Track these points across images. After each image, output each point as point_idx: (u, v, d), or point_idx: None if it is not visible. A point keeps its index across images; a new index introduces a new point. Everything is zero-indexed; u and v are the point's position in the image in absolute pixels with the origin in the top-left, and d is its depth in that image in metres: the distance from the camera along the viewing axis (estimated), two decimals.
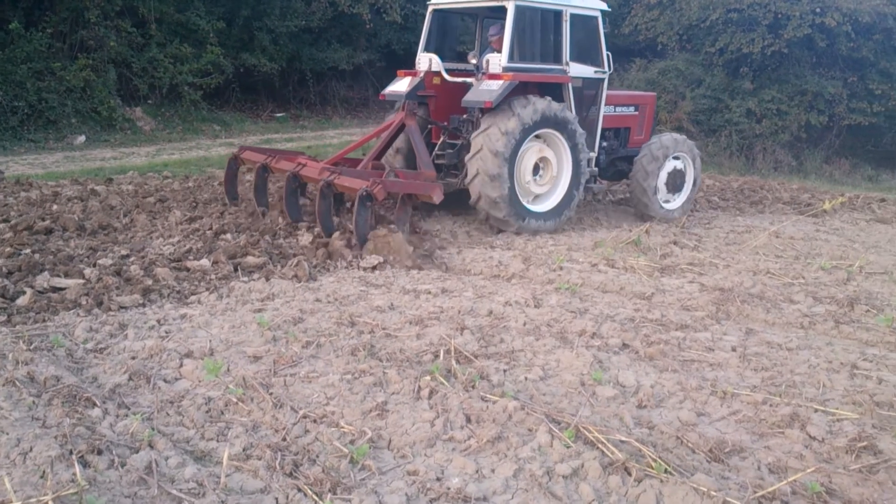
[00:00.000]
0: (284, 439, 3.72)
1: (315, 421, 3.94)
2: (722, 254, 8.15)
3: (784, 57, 18.28)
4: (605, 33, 9.65)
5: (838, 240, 9.47)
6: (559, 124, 8.79)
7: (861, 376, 4.80)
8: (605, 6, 9.70)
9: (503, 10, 8.65)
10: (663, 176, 10.19)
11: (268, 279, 6.41)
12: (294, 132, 16.97)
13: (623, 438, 3.74)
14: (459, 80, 9.25)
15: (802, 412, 4.18)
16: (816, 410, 4.24)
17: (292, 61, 18.48)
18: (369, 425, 3.91)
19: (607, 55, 9.62)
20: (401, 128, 8.97)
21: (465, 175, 8.62)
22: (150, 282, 6.11)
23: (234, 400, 4.08)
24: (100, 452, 3.40)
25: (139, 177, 10.96)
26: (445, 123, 9.37)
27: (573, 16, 9.09)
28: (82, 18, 14.76)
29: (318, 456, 3.59)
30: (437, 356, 4.80)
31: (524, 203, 8.78)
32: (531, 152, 8.74)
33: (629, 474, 3.43)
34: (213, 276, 6.40)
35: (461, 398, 4.15)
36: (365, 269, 6.98)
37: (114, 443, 3.53)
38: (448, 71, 9.34)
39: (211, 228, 7.79)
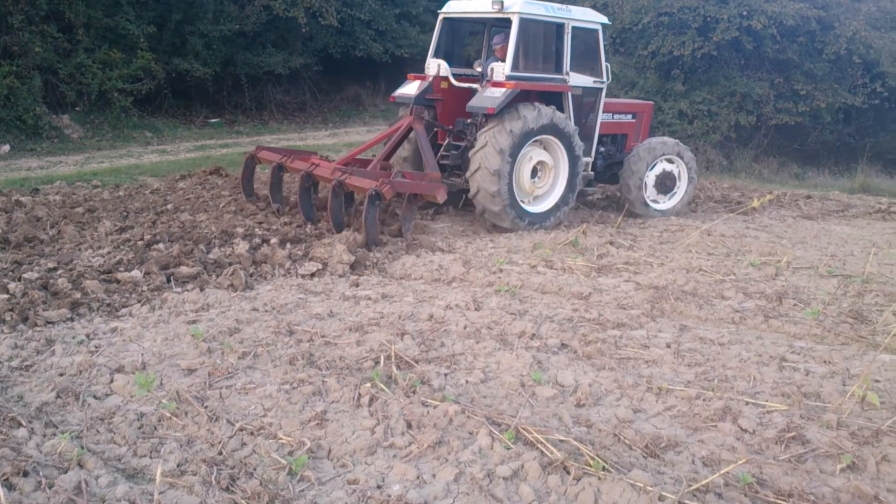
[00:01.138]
0: (220, 453, 3.65)
1: (252, 433, 3.87)
2: (656, 253, 8.31)
3: (713, 59, 18.77)
4: (604, 45, 10.11)
5: (767, 236, 9.75)
6: (560, 132, 9.28)
7: (789, 369, 4.95)
8: (605, 20, 10.14)
9: (509, 20, 9.06)
10: (652, 177, 10.69)
11: (202, 289, 6.28)
12: (229, 137, 16.69)
13: (562, 438, 3.78)
14: (466, 85, 9.63)
15: (734, 405, 4.29)
16: (747, 403, 4.35)
17: (226, 66, 18.16)
18: (308, 435, 3.87)
19: (606, 66, 10.13)
20: (409, 130, 9.37)
21: (468, 186, 9.09)
22: (78, 295, 5.92)
23: (168, 415, 3.98)
24: (25, 474, 3.29)
25: (67, 186, 10.63)
26: (450, 127, 9.77)
27: (575, 28, 9.55)
28: (5, 23, 14.24)
29: (255, 469, 3.53)
30: (377, 362, 4.77)
31: (520, 202, 9.23)
32: (531, 156, 9.21)
33: (568, 473, 3.47)
34: (144, 288, 6.24)
35: (402, 404, 4.14)
36: (303, 276, 6.91)
37: (41, 463, 3.41)
38: (455, 76, 9.71)
39: (142, 239, 7.60)
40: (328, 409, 4.14)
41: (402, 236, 8.35)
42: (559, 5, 9.65)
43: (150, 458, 3.61)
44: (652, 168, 10.64)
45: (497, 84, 8.93)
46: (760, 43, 18.11)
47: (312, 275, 6.94)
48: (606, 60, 10.21)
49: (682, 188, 11.05)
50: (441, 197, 8.25)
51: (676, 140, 11.16)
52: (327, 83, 21.35)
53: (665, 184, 10.85)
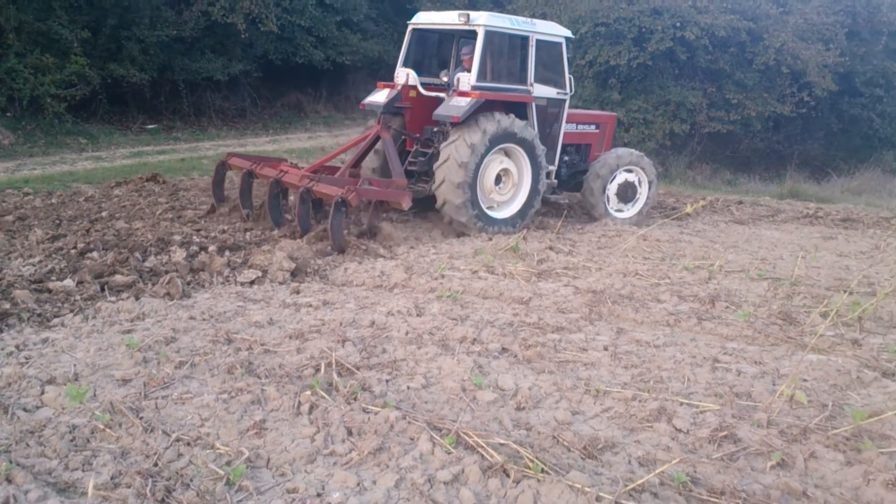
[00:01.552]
0: (156, 464, 3.59)
1: (189, 444, 3.81)
2: (594, 257, 8.46)
3: (649, 69, 19.17)
4: (568, 58, 10.39)
5: (700, 241, 10.01)
6: (521, 140, 9.54)
7: (722, 369, 5.09)
8: (569, 34, 10.48)
9: (475, 32, 9.34)
10: (613, 187, 11.07)
11: (137, 298, 6.15)
12: (167, 144, 16.39)
13: (502, 441, 3.82)
14: (434, 94, 9.88)
15: (669, 406, 4.39)
16: (682, 404, 4.46)
17: (164, 71, 17.84)
18: (247, 445, 3.83)
19: (569, 78, 10.42)
20: (377, 138, 9.70)
21: (433, 183, 9.31)
22: (7, 305, 5.73)
23: (101, 426, 3.89)
24: None
25: None
26: (419, 135, 10.07)
27: (539, 41, 9.85)
28: None
29: (192, 480, 3.48)
30: (317, 370, 4.75)
31: (485, 209, 9.53)
32: (494, 164, 9.50)
33: (508, 476, 3.51)
34: (77, 297, 6.09)
35: (342, 411, 4.13)
36: (242, 283, 6.83)
37: None
38: (424, 85, 9.99)
39: (76, 247, 7.40)
40: (267, 418, 4.10)
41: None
42: (524, 19, 10.05)
43: (83, 471, 3.52)
44: (613, 179, 11.02)
45: (463, 94, 9.17)
46: (693, 53, 18.58)
47: (252, 282, 6.86)
48: (570, 73, 10.48)
49: (643, 197, 11.41)
50: (406, 204, 8.43)
51: (635, 150, 11.55)
52: (268, 89, 21.16)
53: (627, 193, 11.22)
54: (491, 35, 9.35)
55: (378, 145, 9.91)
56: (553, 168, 10.68)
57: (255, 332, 5.46)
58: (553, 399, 4.54)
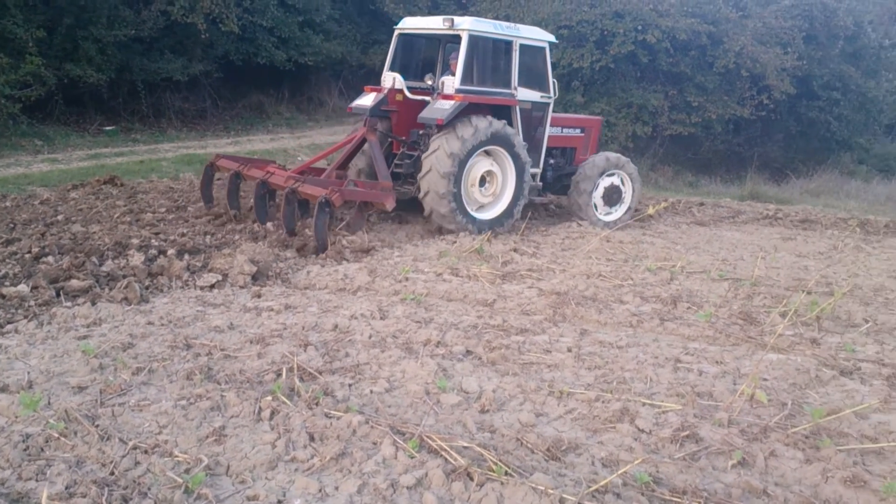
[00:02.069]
0: (112, 473, 3.50)
1: (146, 451, 3.73)
2: (558, 259, 8.49)
3: (611, 72, 19.34)
4: (551, 62, 10.64)
5: (663, 242, 10.11)
6: (503, 141, 9.75)
7: (684, 369, 5.13)
8: (552, 38, 10.81)
9: (456, 36, 9.67)
10: (600, 191, 11.32)
11: (94, 303, 6.01)
12: (125, 146, 16.08)
13: (465, 444, 3.80)
14: (419, 97, 10.05)
15: (632, 406, 4.41)
16: (644, 404, 4.48)
17: (122, 72, 17.50)
18: (206, 452, 3.76)
19: (553, 82, 10.66)
20: (363, 140, 9.87)
21: (419, 190, 9.55)
22: None
23: (56, 435, 3.79)
24: None
25: None
26: (404, 137, 10.27)
27: (522, 46, 10.08)
28: None
29: (149, 488, 3.40)
30: (279, 375, 4.69)
31: (470, 212, 9.76)
32: (479, 166, 9.70)
33: (471, 479, 3.49)
34: (32, 303, 5.94)
35: (304, 416, 4.07)
36: (202, 288, 6.72)
37: None
38: (410, 89, 10.15)
39: (30, 251, 7.23)
40: (227, 425, 4.03)
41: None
42: (508, 24, 10.28)
43: (36, 480, 3.43)
44: (599, 182, 11.26)
45: (447, 97, 9.40)
46: (655, 56, 18.78)
47: (212, 286, 6.76)
48: (553, 77, 10.70)
49: (627, 200, 11.66)
50: (389, 205, 8.73)
51: (619, 155, 11.80)
52: (229, 90, 20.89)
53: (612, 196, 11.47)
54: (475, 39, 9.58)
55: (364, 147, 10.08)
56: (538, 171, 10.88)
57: (215, 337, 5.37)
58: (517, 401, 4.53)
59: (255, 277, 7.05)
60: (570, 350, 5.42)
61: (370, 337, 5.52)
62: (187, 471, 3.58)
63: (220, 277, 6.89)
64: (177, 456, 3.70)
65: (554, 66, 19.21)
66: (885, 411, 4.63)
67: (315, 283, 7.12)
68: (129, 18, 16.98)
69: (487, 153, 9.80)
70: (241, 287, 6.84)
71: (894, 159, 23.55)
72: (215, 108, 20.32)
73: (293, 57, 20.23)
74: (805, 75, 20.54)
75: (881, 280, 8.53)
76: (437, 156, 9.25)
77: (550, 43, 10.61)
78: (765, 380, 5.00)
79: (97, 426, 3.92)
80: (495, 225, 9.88)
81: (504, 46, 9.96)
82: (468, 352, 5.33)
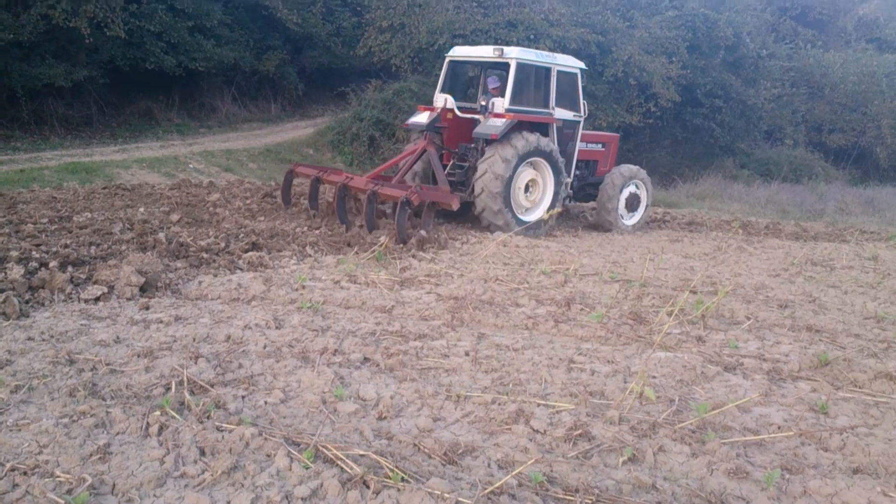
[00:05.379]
0: None
1: (25, 473, 3.51)
2: (456, 264, 8.55)
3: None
4: (582, 86, 12.32)
5: (557, 246, 10.35)
6: (545, 154, 11.26)
7: (577, 370, 5.26)
8: (583, 65, 12.42)
9: (505, 64, 11.22)
10: (623, 199, 12.73)
11: None
12: (4, 154, 15.17)
13: (362, 452, 3.77)
14: (468, 116, 11.65)
15: (527, 408, 4.48)
16: (539, 405, 4.56)
17: (0, 77, 16.58)
18: (90, 471, 3.58)
19: (584, 103, 12.31)
20: (423, 152, 11.35)
21: (472, 190, 11.00)
22: None
23: None
24: None
25: None
26: (455, 150, 11.79)
27: (559, 72, 11.69)
28: None
29: None
30: (168, 389, 4.53)
31: (517, 214, 11.17)
32: (524, 175, 11.19)
33: (368, 487, 3.46)
34: None
35: (194, 431, 3.94)
36: (87, 301, 6.42)
37: None
38: (458, 108, 11.70)
39: None
40: (112, 442, 3.85)
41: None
42: (547, 52, 12.26)
43: None
44: (622, 191, 12.64)
45: (498, 115, 10.90)
46: None
47: (97, 299, 6.46)
48: (584, 98, 12.30)
49: (642, 206, 13.07)
50: (455, 205, 10.05)
51: (638, 167, 13.19)
52: (116, 96, 20.05)
53: (632, 203, 12.88)
54: (521, 66, 11.13)
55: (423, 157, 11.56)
56: (570, 180, 12.34)
57: (100, 352, 5.14)
58: (415, 407, 4.53)
59: (143, 289, 6.78)
60: (467, 354, 5.47)
61: (265, 347, 5.41)
62: (69, 491, 3.40)
63: (105, 290, 6.59)
64: (59, 476, 3.51)
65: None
66: (765, 404, 4.88)
67: (207, 294, 6.92)
68: (7, 22, 16.07)
69: (531, 164, 11.20)
70: (129, 299, 6.57)
71: (774, 164, 24.86)
72: (102, 114, 19.47)
73: (183, 62, 19.60)
74: (689, 83, 21.48)
75: (762, 279, 8.99)
76: (493, 160, 10.64)
77: (581, 69, 12.19)
78: (653, 377, 5.17)
79: None
80: (535, 226, 11.19)
81: (544, 72, 11.51)
82: (366, 359, 5.29)
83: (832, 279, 9.37)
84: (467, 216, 11.59)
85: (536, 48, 18.45)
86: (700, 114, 22.69)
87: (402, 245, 9.28)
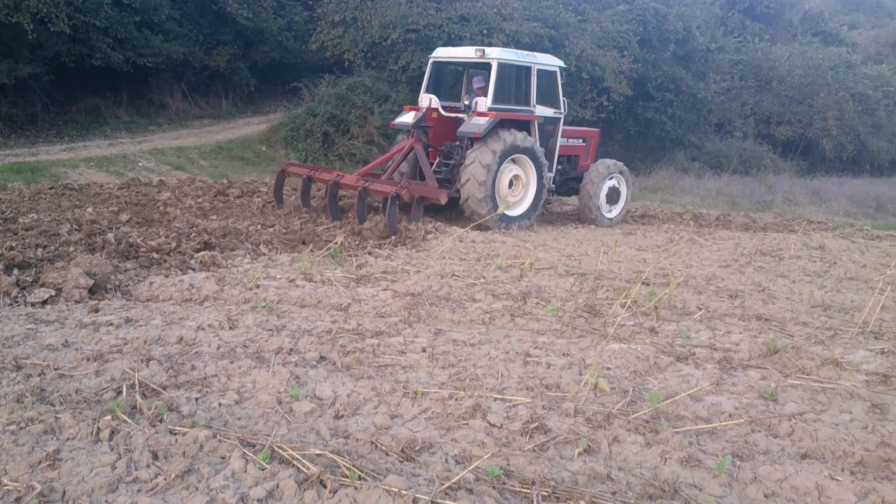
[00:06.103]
0: None
1: None
2: (413, 261, 8.54)
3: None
4: (561, 84, 12.64)
5: (513, 241, 10.41)
6: (528, 150, 11.64)
7: (533, 363, 5.29)
8: (562, 63, 12.87)
9: (487, 64, 11.56)
10: (603, 193, 13.07)
11: None
12: None
13: (318, 452, 3.74)
14: (452, 115, 12.00)
15: (484, 402, 4.49)
16: (496, 399, 4.58)
17: None
18: (38, 478, 3.49)
19: (563, 100, 12.63)
20: (410, 150, 11.79)
21: (458, 181, 11.34)
22: None
23: None
24: None
25: None
26: (441, 148, 12.13)
27: (539, 70, 12.03)
28: None
29: None
30: (119, 392, 4.43)
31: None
32: (508, 171, 11.54)
33: (325, 487, 3.44)
34: None
35: (147, 434, 3.87)
36: (33, 304, 6.26)
37: None
38: (443, 108, 12.02)
39: None
40: (62, 448, 3.76)
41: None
42: (527, 52, 12.48)
43: None
44: (603, 185, 12.97)
45: (481, 114, 11.30)
46: None
47: (44, 302, 6.31)
48: (563, 96, 12.62)
49: (622, 199, 13.39)
50: (443, 199, 10.57)
51: (616, 161, 13.51)
52: (62, 94, 19.56)
53: (612, 197, 13.21)
54: (503, 66, 11.48)
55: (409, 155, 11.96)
56: (552, 175, 12.63)
57: (48, 356, 5.01)
58: (372, 404, 4.51)
59: (92, 291, 6.64)
60: (424, 350, 5.46)
61: (218, 348, 5.33)
62: (18, 500, 3.31)
63: (53, 292, 6.44)
64: (6, 485, 3.42)
65: (403, 69, 19.49)
66: (717, 393, 4.97)
67: (158, 295, 6.80)
68: None
69: (514, 161, 11.55)
70: (77, 302, 6.43)
71: (724, 156, 25.34)
72: (47, 112, 19.00)
73: (131, 58, 19.20)
74: (641, 77, 21.76)
75: (713, 270, 9.16)
76: (474, 167, 11.01)
77: (560, 67, 12.57)
78: (608, 369, 5.24)
79: None
80: (522, 219, 11.68)
81: (525, 72, 11.83)
82: (322, 357, 5.26)
83: (781, 269, 9.58)
84: (452, 213, 11.91)
85: (489, 43, 18.62)
86: (651, 107, 23.01)
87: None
